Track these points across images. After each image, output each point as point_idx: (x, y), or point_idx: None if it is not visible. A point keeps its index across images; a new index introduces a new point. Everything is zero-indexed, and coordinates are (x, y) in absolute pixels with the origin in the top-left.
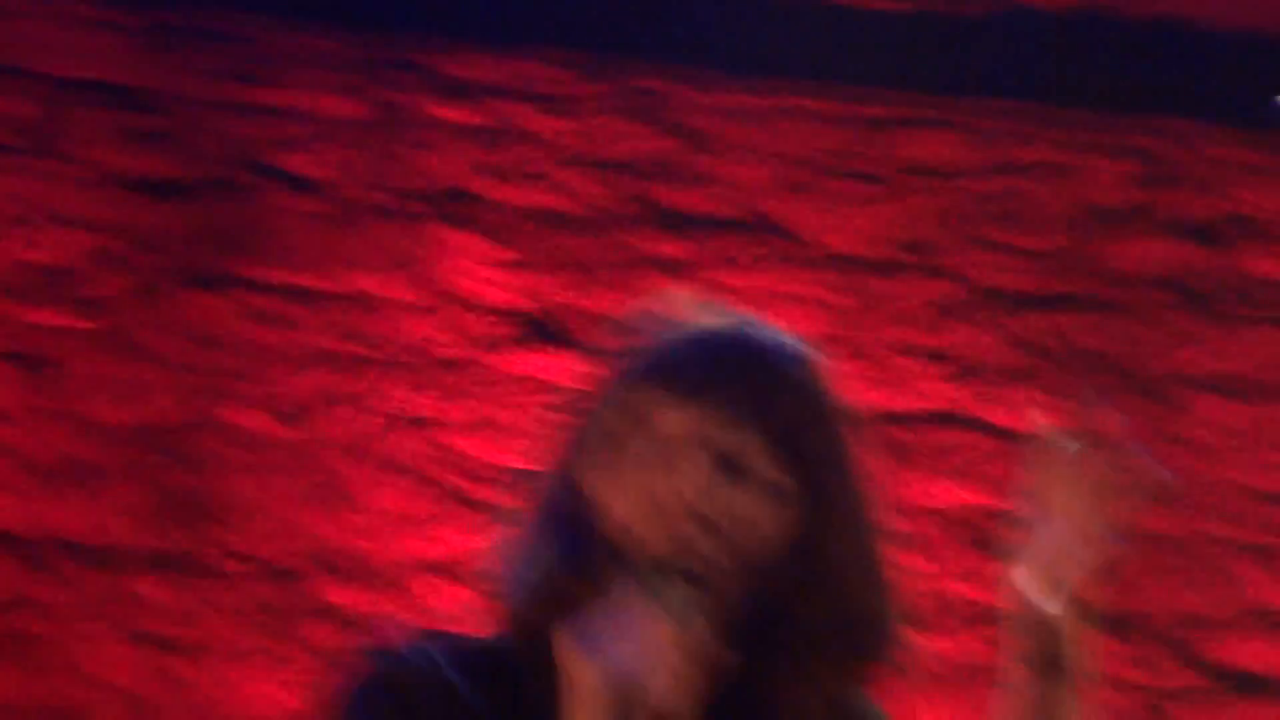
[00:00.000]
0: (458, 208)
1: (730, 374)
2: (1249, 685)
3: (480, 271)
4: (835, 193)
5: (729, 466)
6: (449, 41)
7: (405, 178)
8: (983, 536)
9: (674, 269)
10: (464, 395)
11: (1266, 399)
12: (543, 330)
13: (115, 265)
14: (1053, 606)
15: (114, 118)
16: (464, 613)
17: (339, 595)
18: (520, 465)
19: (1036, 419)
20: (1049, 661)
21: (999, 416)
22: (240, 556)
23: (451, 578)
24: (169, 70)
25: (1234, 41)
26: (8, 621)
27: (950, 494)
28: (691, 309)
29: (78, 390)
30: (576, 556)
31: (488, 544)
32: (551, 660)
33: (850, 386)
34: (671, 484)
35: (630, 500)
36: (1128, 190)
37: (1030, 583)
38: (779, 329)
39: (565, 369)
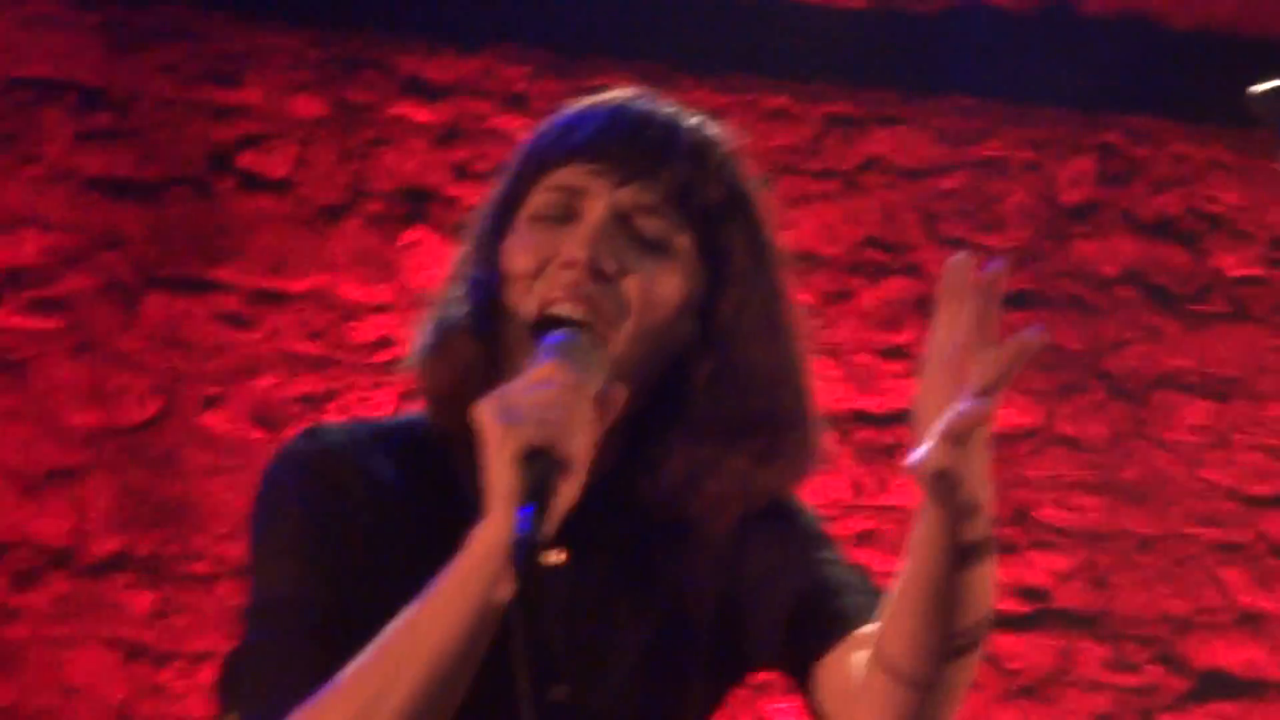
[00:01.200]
0: (419, 205)
1: (625, 131)
2: (1231, 687)
3: (443, 269)
4: (798, 190)
5: (621, 220)
6: (408, 39)
7: (366, 176)
8: None
9: None
10: None
11: (1237, 396)
12: None
13: (78, 265)
14: (933, 450)
15: (74, 116)
16: None
17: None
18: None
19: (952, 261)
20: (942, 506)
21: None
22: (212, 559)
23: None
24: (129, 69)
25: (1197, 38)
26: None
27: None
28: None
29: (45, 392)
30: (481, 316)
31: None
32: (466, 427)
33: (820, 384)
34: (565, 237)
35: (528, 255)
36: (1092, 186)
37: (918, 424)
38: (692, 110)
39: None
